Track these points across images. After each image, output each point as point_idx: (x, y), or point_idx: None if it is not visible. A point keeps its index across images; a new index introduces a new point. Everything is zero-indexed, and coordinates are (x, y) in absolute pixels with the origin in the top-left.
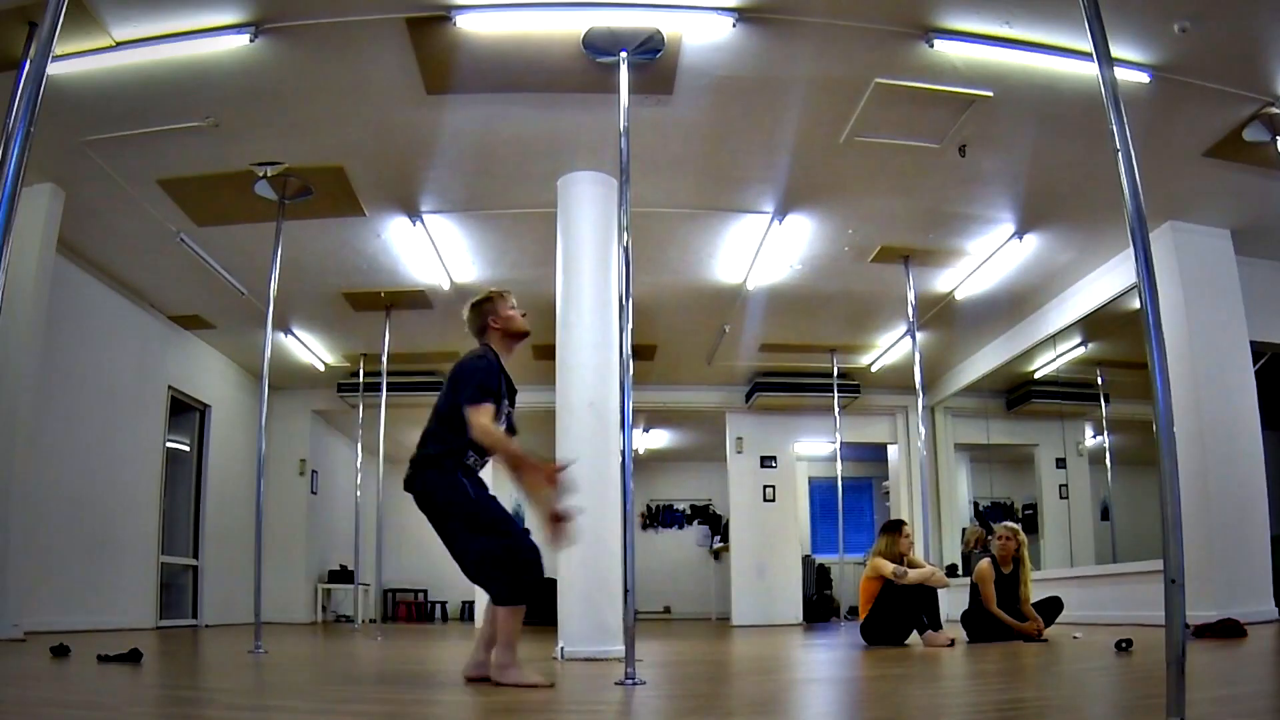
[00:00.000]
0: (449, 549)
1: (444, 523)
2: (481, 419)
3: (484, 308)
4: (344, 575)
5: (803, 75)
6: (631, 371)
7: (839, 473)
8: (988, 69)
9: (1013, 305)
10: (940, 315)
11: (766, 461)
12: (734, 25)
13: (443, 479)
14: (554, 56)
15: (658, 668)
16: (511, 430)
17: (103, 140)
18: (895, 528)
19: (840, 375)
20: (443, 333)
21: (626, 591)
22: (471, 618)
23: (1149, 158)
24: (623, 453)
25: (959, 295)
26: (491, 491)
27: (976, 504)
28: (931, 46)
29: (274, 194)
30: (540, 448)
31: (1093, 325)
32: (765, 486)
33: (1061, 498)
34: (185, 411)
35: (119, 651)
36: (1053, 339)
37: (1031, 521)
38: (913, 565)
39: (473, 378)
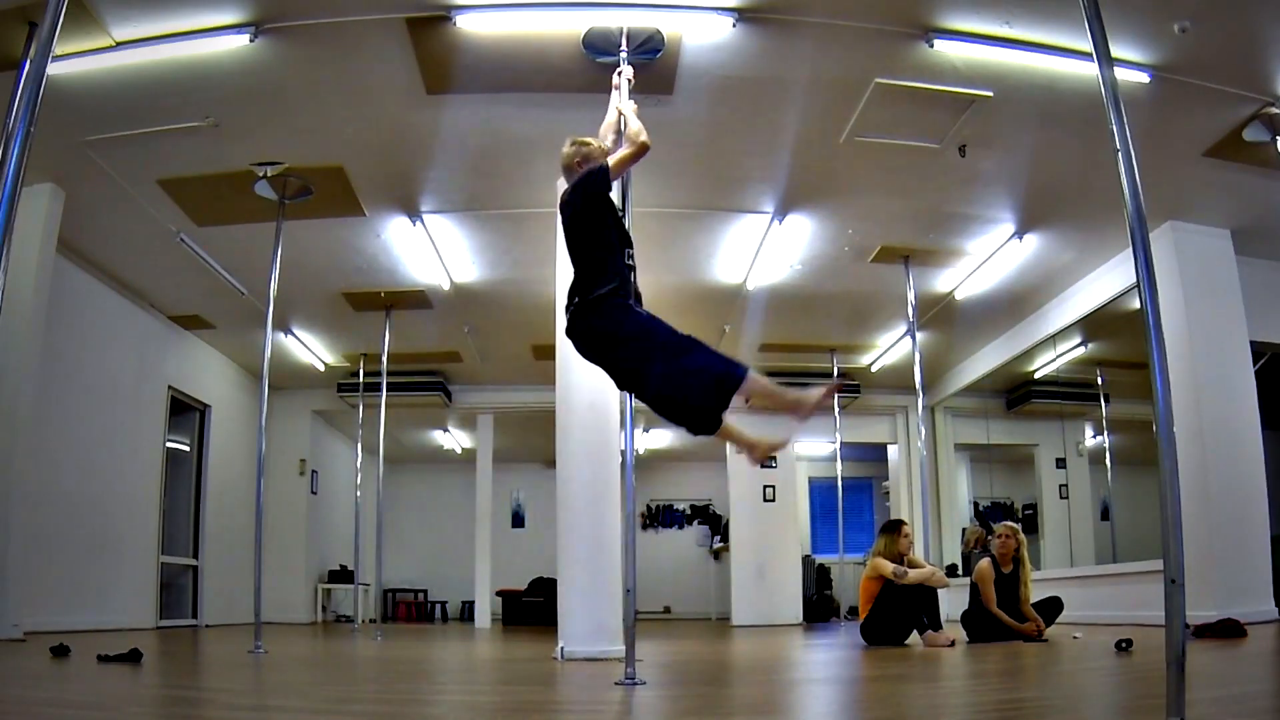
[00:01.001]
0: (628, 385)
1: (616, 354)
2: (618, 158)
3: (583, 149)
4: (344, 575)
5: (803, 75)
6: None
7: (839, 473)
8: (988, 69)
9: (1013, 305)
10: (940, 315)
11: (766, 461)
12: (734, 25)
13: (611, 311)
14: (554, 56)
15: (658, 668)
16: (627, 240)
17: (103, 140)
18: (894, 528)
19: (840, 375)
20: (443, 333)
21: (626, 591)
22: (472, 618)
23: (1149, 158)
24: (623, 453)
25: (959, 295)
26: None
27: (976, 504)
28: (931, 46)
29: (274, 194)
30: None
31: (1093, 325)
32: (765, 486)
33: (1061, 498)
34: (185, 411)
35: (119, 651)
36: (1053, 339)
37: (1031, 521)
38: (912, 565)
39: (588, 177)
